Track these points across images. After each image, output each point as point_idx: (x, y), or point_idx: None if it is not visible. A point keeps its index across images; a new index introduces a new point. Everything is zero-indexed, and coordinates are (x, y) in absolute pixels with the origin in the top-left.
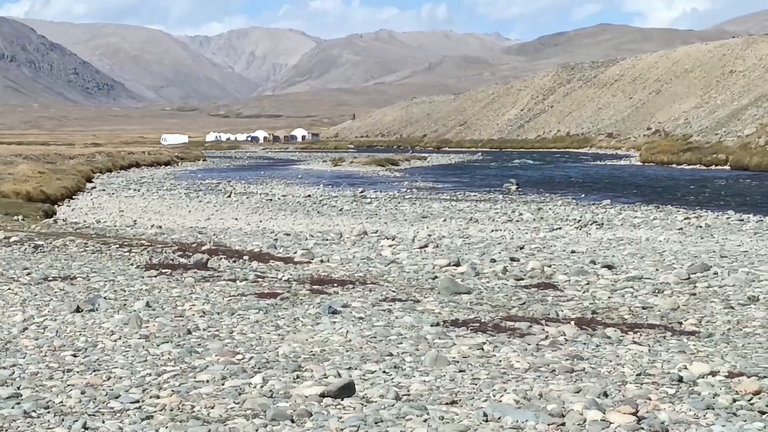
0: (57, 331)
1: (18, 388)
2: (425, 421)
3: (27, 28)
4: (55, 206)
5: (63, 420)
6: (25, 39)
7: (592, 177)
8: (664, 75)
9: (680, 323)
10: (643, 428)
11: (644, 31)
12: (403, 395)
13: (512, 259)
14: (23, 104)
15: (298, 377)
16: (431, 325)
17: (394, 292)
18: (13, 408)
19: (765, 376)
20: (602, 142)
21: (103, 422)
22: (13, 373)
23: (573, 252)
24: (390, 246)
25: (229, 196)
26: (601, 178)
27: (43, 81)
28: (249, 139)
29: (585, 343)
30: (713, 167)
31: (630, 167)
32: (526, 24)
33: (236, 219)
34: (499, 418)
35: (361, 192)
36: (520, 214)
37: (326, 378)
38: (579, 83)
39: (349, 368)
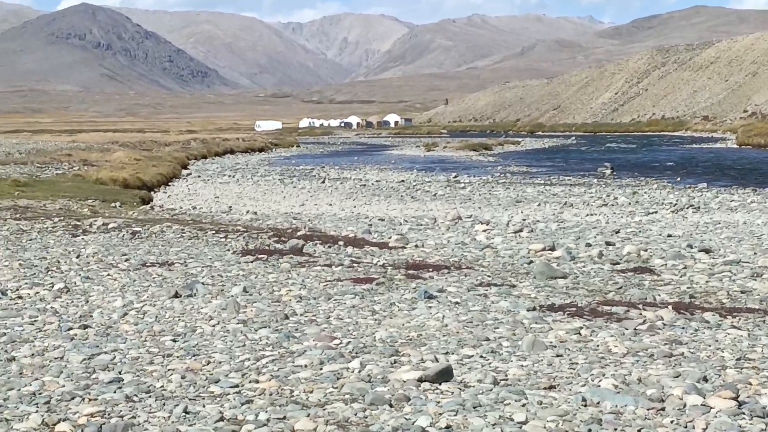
0: (156, 317)
1: (119, 372)
2: (523, 405)
3: (122, 17)
4: (152, 193)
5: (164, 404)
6: (120, 27)
7: (687, 160)
8: (761, 57)
9: None
10: (744, 413)
11: (740, 12)
12: (500, 380)
13: (608, 244)
14: (119, 92)
15: (395, 362)
16: (527, 310)
17: (489, 276)
18: (115, 392)
19: None
20: (698, 125)
21: (204, 406)
22: (114, 357)
23: (669, 236)
24: (484, 231)
25: (323, 182)
26: (697, 162)
27: (139, 69)
28: (342, 124)
29: (683, 328)
30: None
31: (726, 150)
32: (619, 7)
33: (330, 204)
34: (598, 403)
35: (455, 177)
36: (615, 198)
37: (423, 363)
38: (674, 66)
39: (446, 353)
